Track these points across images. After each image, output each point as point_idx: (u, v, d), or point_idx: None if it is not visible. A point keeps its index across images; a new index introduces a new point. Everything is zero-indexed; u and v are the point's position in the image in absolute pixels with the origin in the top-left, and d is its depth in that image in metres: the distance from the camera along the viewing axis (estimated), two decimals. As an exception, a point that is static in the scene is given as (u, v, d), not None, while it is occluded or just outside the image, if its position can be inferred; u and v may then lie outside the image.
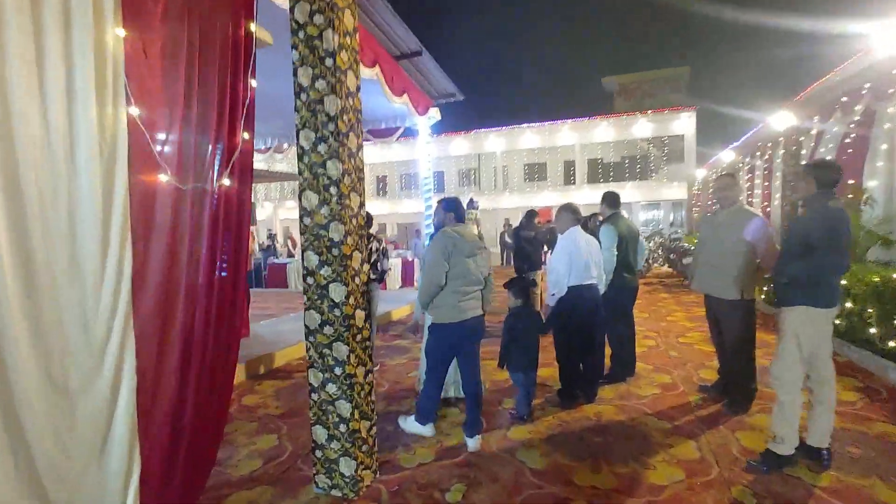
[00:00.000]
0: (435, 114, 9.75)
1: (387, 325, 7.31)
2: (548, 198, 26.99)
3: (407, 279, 11.85)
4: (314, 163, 2.55)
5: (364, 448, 2.63)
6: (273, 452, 3.13)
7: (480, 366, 3.34)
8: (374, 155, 33.44)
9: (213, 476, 2.53)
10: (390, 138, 10.13)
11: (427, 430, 3.34)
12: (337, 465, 2.57)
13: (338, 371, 2.53)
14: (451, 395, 3.91)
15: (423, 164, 10.09)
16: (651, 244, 14.37)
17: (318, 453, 2.63)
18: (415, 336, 6.34)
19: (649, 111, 25.86)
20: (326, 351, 2.54)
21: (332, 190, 2.51)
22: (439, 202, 3.39)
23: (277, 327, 6.69)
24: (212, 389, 2.19)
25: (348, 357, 2.50)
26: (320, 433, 2.61)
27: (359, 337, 2.60)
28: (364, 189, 2.75)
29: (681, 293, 9.59)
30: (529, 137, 28.44)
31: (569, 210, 3.91)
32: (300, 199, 2.57)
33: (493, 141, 29.13)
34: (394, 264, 11.41)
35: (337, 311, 2.49)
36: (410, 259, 12.26)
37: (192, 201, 2.13)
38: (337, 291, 2.50)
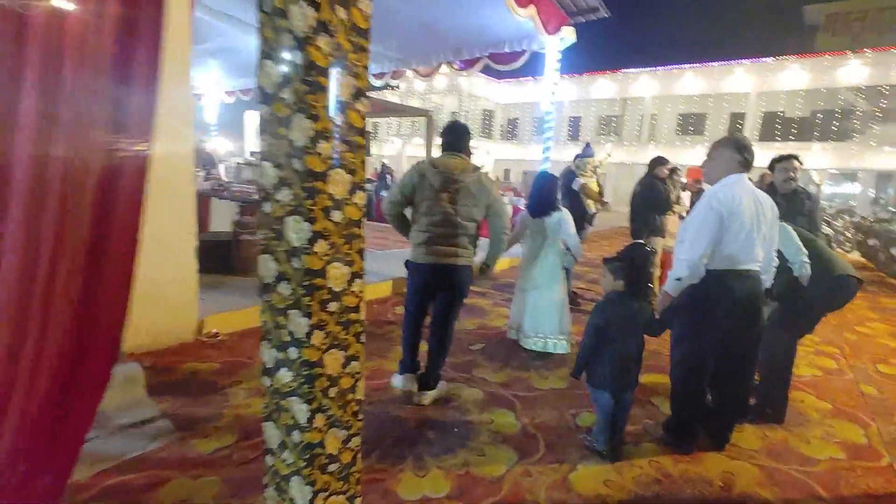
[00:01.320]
0: (568, 35, 8.03)
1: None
2: (703, 156, 23.01)
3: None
4: (274, 117, 1.54)
5: (332, 468, 1.76)
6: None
7: (454, 324, 2.96)
8: (505, 94, 31.52)
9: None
10: (514, 63, 8.70)
11: (396, 381, 2.92)
12: (287, 483, 1.76)
13: (292, 353, 1.64)
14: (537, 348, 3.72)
15: (546, 97, 8.56)
16: (839, 224, 11.09)
17: (269, 460, 1.84)
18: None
19: (867, 50, 19.82)
20: (282, 319, 1.66)
21: (297, 164, 1.50)
22: None
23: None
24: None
25: (308, 334, 1.59)
26: (271, 434, 1.80)
27: (333, 306, 1.66)
28: (364, 161, 1.66)
29: (881, 294, 7.01)
30: (689, 81, 24.10)
31: (732, 146, 2.39)
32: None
33: (644, 83, 25.33)
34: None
35: (296, 262, 1.56)
36: (522, 207, 11.02)
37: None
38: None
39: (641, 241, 4.66)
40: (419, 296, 2.87)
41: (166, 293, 3.33)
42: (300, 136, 1.47)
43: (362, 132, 1.65)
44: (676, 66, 24.00)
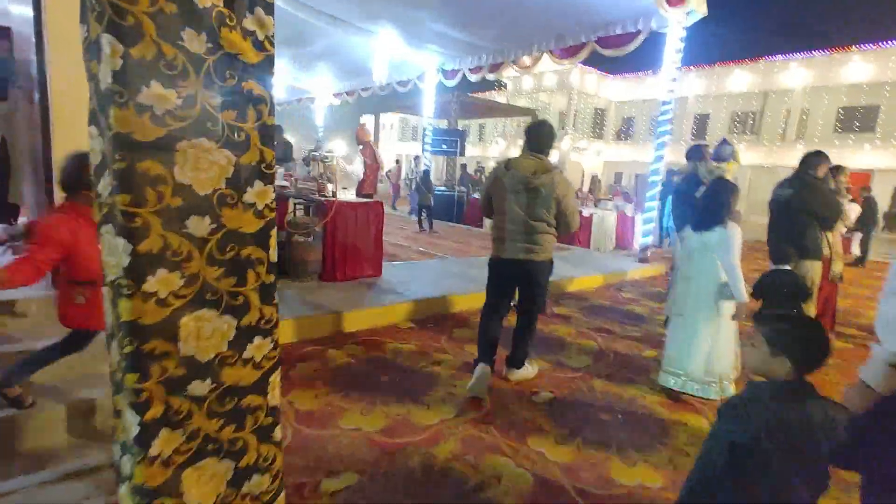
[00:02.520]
0: (697, 6, 6.63)
1: (560, 296, 5.36)
2: (871, 158, 18.83)
3: (622, 239, 9.29)
4: (91, 73, 0.85)
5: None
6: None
7: (536, 314, 3.08)
8: (620, 91, 29.03)
9: None
10: (625, 47, 7.42)
11: (477, 370, 2.88)
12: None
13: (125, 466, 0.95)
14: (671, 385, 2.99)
15: (665, 84, 7.16)
16: None
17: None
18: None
19: None
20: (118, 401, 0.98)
21: (100, 130, 0.80)
22: None
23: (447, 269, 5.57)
24: None
25: (143, 440, 0.89)
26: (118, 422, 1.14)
27: (198, 388, 0.93)
28: (270, 134, 0.92)
29: None
30: (855, 67, 19.94)
31: None
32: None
33: (793, 73, 21.56)
34: (604, 217, 8.99)
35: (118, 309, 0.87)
36: (630, 215, 9.55)
37: None
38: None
39: (787, 266, 3.34)
40: (494, 287, 3.05)
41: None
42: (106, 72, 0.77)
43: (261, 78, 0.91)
44: (836, 51, 19.96)
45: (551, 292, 5.30)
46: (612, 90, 29.45)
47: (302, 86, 15.04)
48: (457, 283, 4.95)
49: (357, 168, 12.99)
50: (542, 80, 29.09)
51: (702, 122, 25.96)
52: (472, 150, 27.74)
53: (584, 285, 5.79)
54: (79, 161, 1.85)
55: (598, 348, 3.79)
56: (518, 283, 3.02)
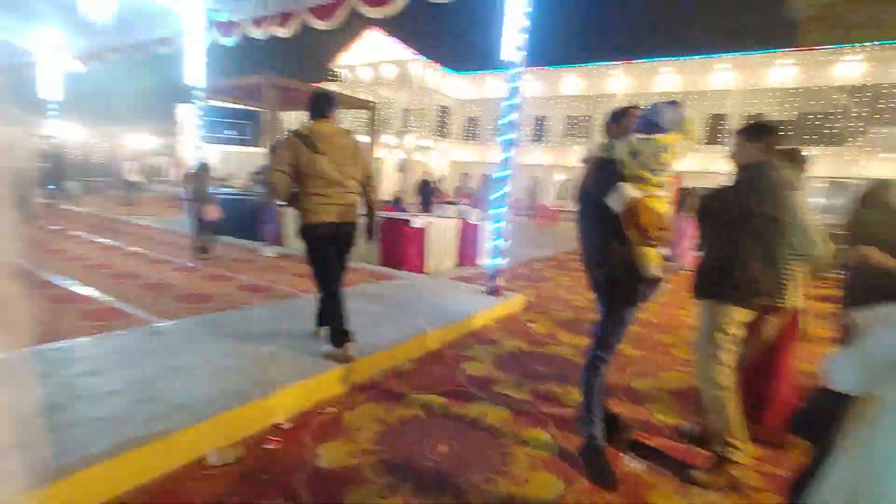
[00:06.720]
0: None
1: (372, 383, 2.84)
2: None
3: (464, 255, 7.23)
4: None
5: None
6: None
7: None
8: (462, 90, 28.29)
9: None
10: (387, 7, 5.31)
11: None
12: None
13: None
14: None
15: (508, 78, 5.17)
16: None
17: None
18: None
19: (866, 44, 17.74)
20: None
21: None
22: None
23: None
24: None
25: None
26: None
27: None
28: None
29: None
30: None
31: None
32: None
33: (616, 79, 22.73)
34: (444, 228, 6.80)
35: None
36: (475, 222, 7.56)
37: None
38: None
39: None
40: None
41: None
42: None
43: None
44: (644, 61, 21.45)
45: (347, 376, 2.77)
46: (455, 88, 28.56)
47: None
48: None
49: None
50: (380, 72, 26.86)
51: (541, 124, 26.37)
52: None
53: (399, 355, 3.35)
54: None
55: None
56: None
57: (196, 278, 4.97)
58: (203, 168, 6.75)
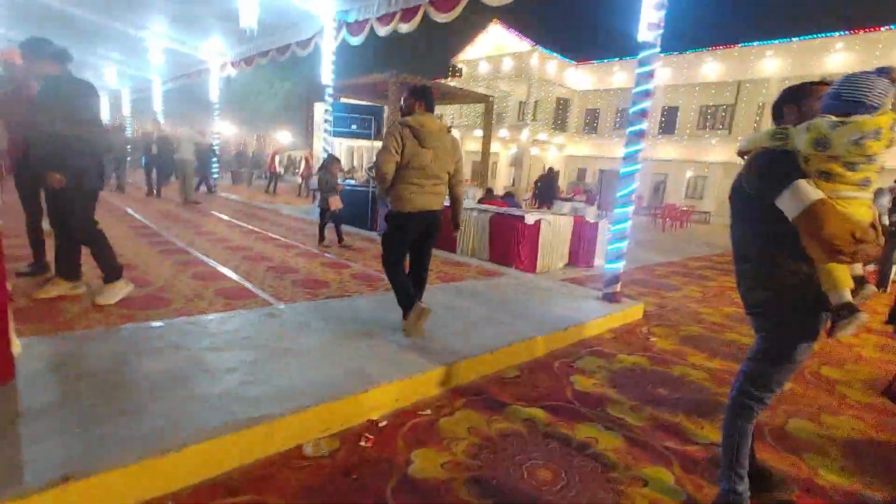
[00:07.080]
0: None
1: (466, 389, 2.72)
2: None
3: (575, 254, 6.76)
4: None
5: None
6: None
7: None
8: (583, 81, 26.78)
9: None
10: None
11: None
12: None
13: None
14: None
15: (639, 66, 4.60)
16: None
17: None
18: None
19: None
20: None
21: None
22: None
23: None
24: None
25: None
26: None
27: None
28: None
29: None
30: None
31: None
32: None
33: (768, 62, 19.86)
34: (558, 225, 6.41)
35: None
36: (592, 221, 7.03)
37: None
38: None
39: None
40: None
41: None
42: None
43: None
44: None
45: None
46: (575, 79, 27.25)
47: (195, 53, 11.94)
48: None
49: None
50: (501, 66, 26.58)
51: (672, 114, 24.06)
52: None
53: (503, 360, 3.14)
54: None
55: None
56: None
57: (316, 264, 5.26)
58: (330, 160, 7.14)
